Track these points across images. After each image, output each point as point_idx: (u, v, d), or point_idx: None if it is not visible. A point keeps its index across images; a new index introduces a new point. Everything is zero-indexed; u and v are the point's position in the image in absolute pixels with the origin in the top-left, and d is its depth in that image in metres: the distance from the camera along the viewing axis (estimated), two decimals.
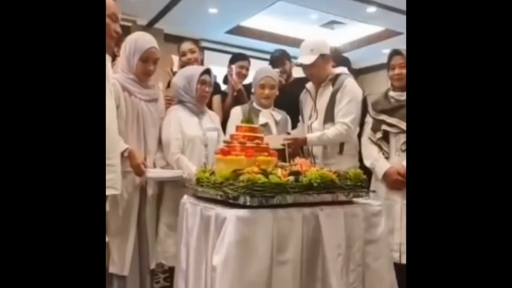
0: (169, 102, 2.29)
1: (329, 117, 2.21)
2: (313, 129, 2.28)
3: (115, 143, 1.72)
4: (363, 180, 1.61)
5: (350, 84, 2.21)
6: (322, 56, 2.25)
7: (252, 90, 2.43)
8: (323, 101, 2.26)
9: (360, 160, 2.29)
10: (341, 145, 2.22)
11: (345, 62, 2.79)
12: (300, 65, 2.33)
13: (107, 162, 1.58)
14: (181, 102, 2.21)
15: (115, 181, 1.65)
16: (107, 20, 1.60)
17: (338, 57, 2.96)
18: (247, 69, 2.88)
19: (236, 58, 2.92)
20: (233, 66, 2.77)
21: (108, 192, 1.63)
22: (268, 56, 3.20)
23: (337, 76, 2.25)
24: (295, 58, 2.90)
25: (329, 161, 2.20)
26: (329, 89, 2.25)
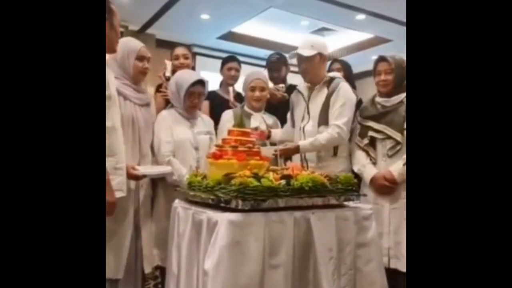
0: (165, 96, 2.39)
1: (323, 119, 2.21)
2: (306, 132, 2.26)
3: (122, 147, 1.74)
4: (353, 184, 1.63)
5: (344, 87, 2.22)
6: (320, 55, 2.25)
7: (243, 94, 2.45)
8: (317, 104, 2.25)
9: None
10: (335, 147, 2.23)
11: (348, 67, 2.83)
12: (298, 57, 2.26)
13: (115, 165, 1.63)
14: (173, 105, 2.23)
15: (122, 184, 1.68)
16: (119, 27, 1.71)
17: (341, 62, 2.97)
18: (237, 70, 2.89)
19: (226, 60, 2.94)
20: (231, 98, 2.80)
21: (117, 195, 1.64)
22: (259, 62, 3.23)
23: (332, 79, 2.26)
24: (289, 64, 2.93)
25: (323, 164, 2.20)
26: (324, 92, 2.24)
